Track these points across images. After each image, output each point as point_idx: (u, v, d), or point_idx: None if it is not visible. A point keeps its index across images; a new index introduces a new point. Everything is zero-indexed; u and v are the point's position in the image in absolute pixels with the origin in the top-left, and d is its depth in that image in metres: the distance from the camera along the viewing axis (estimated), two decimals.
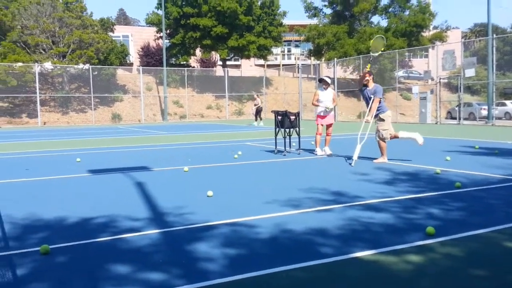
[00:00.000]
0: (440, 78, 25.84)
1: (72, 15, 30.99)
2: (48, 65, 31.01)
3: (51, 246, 3.68)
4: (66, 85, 32.51)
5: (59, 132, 22.04)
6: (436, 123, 24.38)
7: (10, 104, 30.56)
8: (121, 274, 3.14)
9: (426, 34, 39.11)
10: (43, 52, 30.62)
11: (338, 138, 14.52)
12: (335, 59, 32.29)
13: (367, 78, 8.76)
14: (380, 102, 8.61)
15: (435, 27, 39.37)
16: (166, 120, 32.73)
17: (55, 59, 30.66)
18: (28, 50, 30.42)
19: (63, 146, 13.73)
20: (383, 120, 8.64)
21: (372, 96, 8.62)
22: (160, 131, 21.04)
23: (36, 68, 29.60)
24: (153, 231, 4.18)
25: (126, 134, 19.71)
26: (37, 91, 29.57)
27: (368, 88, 8.77)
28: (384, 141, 8.67)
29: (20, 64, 29.26)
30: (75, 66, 31.68)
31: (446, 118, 30.86)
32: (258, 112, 25.08)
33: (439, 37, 37.78)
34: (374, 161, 8.71)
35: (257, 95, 26.43)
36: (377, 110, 8.62)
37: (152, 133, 20.05)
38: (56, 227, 4.41)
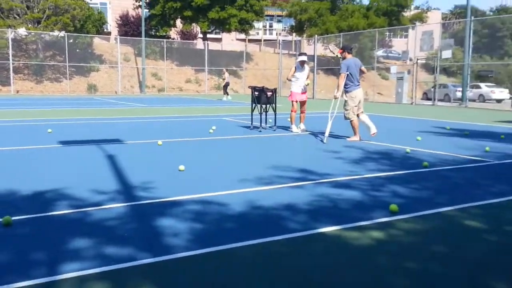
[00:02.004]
0: (417, 59, 26.02)
1: None
2: (22, 31, 30.06)
3: (12, 218, 3.62)
4: (41, 53, 31.63)
5: (32, 101, 21.53)
6: (411, 104, 24.64)
7: None
8: (82, 247, 3.11)
9: (407, 14, 39.17)
10: (17, 17, 29.62)
11: (314, 115, 14.57)
12: (316, 35, 32.15)
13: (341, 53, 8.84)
14: (347, 79, 8.52)
15: (416, 7, 39.46)
16: (144, 93, 32.28)
17: (30, 25, 29.73)
18: (1, 15, 29.37)
19: (35, 115, 13.43)
20: (347, 99, 8.68)
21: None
22: (137, 104, 20.75)
23: (10, 34, 28.67)
24: (119, 205, 4.15)
25: (102, 105, 19.38)
26: (10, 58, 28.73)
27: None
28: (353, 120, 8.65)
29: None
30: (50, 33, 30.80)
31: (422, 99, 31.21)
32: (225, 87, 25.80)
33: (420, 18, 37.95)
34: (347, 139, 8.78)
35: (226, 70, 26.96)
36: (345, 87, 8.60)
37: (129, 105, 19.76)
38: (19, 198, 4.34)
